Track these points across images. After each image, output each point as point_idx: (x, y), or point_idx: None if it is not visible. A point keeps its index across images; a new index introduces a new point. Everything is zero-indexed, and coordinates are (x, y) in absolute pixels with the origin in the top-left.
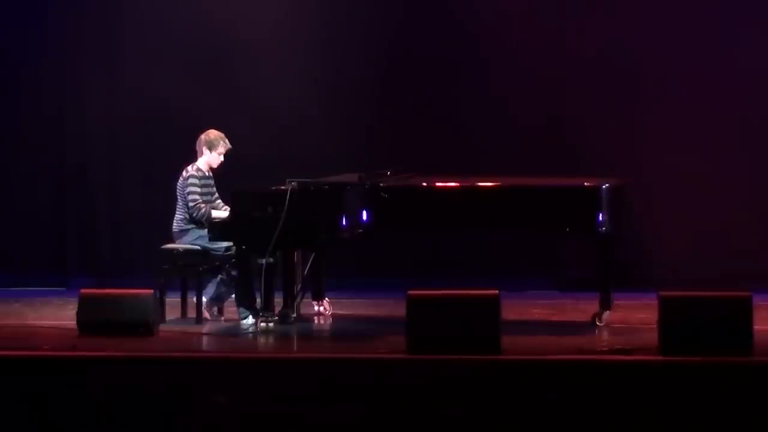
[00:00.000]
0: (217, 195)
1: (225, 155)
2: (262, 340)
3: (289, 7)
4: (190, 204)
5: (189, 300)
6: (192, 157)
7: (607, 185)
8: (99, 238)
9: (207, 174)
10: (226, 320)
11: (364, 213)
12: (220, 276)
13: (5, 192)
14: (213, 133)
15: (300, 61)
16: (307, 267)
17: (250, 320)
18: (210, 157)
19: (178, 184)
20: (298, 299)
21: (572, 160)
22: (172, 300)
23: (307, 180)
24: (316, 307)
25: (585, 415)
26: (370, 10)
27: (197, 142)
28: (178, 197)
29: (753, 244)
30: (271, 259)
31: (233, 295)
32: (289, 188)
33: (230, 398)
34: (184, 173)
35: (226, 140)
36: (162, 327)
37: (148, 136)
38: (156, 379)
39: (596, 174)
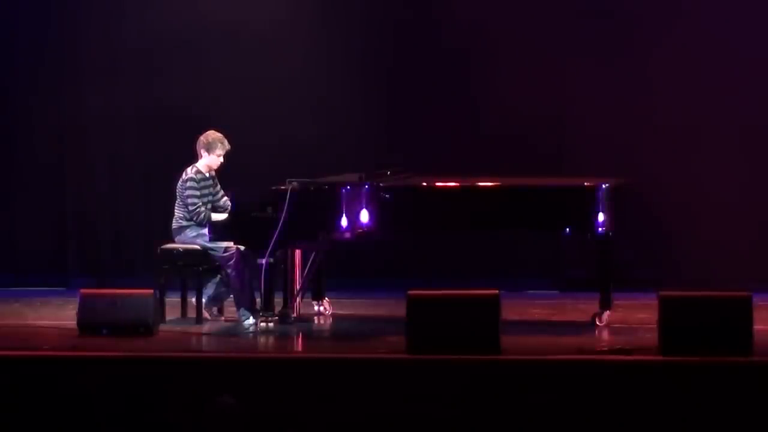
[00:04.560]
0: (222, 193)
1: (224, 156)
2: (262, 340)
3: (289, 8)
4: (190, 208)
5: (189, 300)
6: (192, 157)
7: (606, 185)
8: (99, 238)
9: (207, 175)
10: (226, 320)
11: (365, 213)
12: (219, 276)
13: (5, 192)
14: (211, 135)
15: (300, 61)
16: (307, 267)
17: (251, 320)
18: (209, 159)
19: (178, 184)
20: (298, 299)
21: (572, 160)
22: (172, 300)
23: (307, 180)
24: (316, 307)
25: (585, 415)
26: (371, 10)
27: (196, 144)
28: (177, 196)
29: (753, 244)
30: (271, 259)
31: (232, 295)
32: (289, 188)
33: (236, 399)
34: (183, 175)
35: (225, 142)
36: (162, 327)
37: (148, 136)
38: (156, 379)
39: (596, 174)
